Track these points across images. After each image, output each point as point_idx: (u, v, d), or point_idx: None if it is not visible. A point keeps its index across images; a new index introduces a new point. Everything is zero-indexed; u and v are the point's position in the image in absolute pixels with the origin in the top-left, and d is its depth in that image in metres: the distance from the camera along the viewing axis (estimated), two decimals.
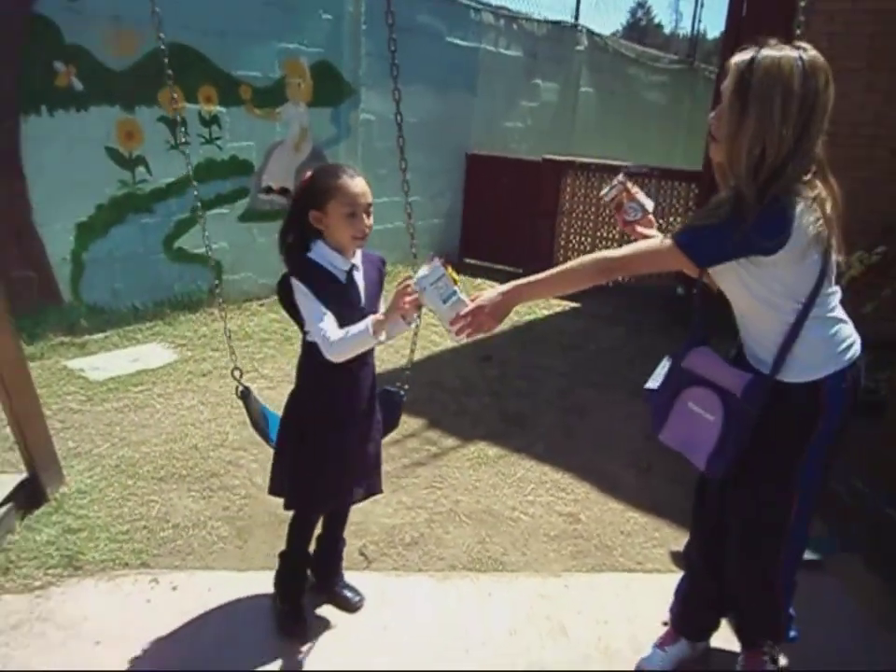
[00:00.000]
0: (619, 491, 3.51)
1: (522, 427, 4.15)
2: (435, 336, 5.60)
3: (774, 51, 1.62)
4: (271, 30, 5.78)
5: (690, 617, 2.36)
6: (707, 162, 6.44)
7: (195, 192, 2.70)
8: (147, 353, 4.93)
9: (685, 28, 16.03)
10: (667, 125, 12.40)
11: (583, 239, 7.47)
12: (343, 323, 2.11)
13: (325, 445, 2.26)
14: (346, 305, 2.16)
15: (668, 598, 2.74)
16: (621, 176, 2.12)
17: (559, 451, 3.87)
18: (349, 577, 2.72)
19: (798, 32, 2.15)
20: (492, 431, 4.04)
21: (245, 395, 2.49)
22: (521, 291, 1.93)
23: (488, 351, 5.34)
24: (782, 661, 2.25)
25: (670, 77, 12.35)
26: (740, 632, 2.32)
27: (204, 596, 2.56)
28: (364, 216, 2.12)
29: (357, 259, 2.24)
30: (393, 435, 3.88)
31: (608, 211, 7.24)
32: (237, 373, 2.53)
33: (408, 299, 2.01)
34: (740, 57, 1.66)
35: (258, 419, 2.51)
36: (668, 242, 1.76)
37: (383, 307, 2.32)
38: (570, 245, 7.55)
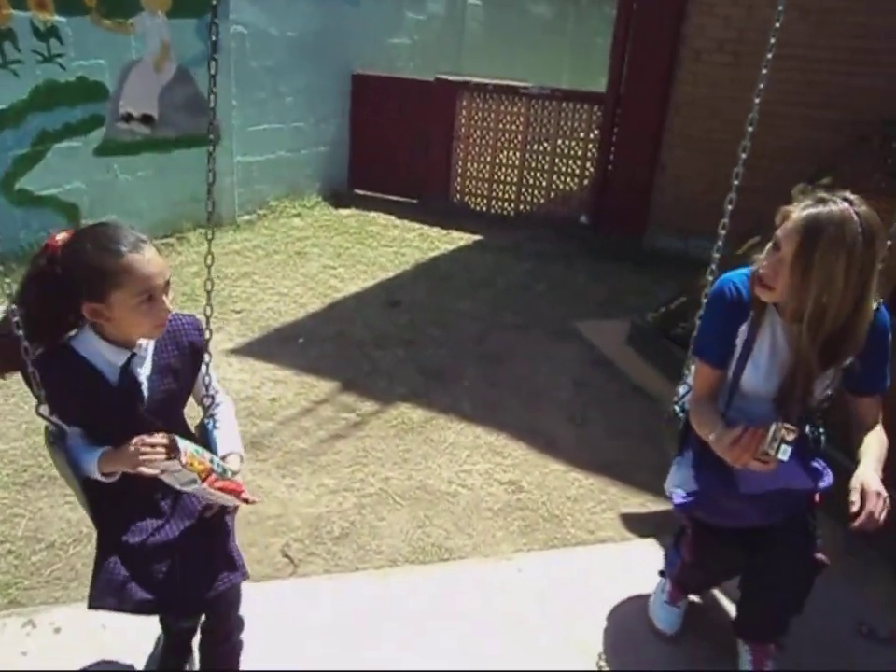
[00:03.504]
0: (557, 450, 3.26)
1: (443, 381, 3.80)
2: (334, 281, 5.10)
3: (836, 217, 1.58)
4: None
5: (699, 583, 2.30)
6: (609, 85, 6.16)
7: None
8: None
9: None
10: (553, 41, 11.98)
11: (482, 167, 7.04)
12: (110, 434, 1.60)
13: (118, 537, 1.69)
14: (114, 413, 1.63)
15: (627, 569, 2.58)
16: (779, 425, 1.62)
17: (487, 408, 3.56)
18: (272, 586, 2.33)
19: None
20: (412, 390, 3.67)
21: (57, 439, 1.65)
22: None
23: (396, 294, 4.92)
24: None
25: None
26: (757, 628, 2.11)
27: (99, 637, 2.09)
28: (164, 297, 1.59)
29: (150, 343, 1.69)
30: (304, 403, 3.48)
31: (507, 136, 6.85)
32: (44, 410, 1.60)
33: (144, 467, 1.53)
34: (802, 217, 1.61)
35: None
36: None
37: (204, 390, 1.80)
38: (468, 174, 7.11)
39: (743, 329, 1.83)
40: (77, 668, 2.00)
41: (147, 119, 5.38)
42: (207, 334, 1.78)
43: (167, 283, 1.61)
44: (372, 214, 6.87)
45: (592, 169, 6.54)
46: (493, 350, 4.22)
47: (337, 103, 7.18)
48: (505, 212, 7.09)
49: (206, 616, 1.88)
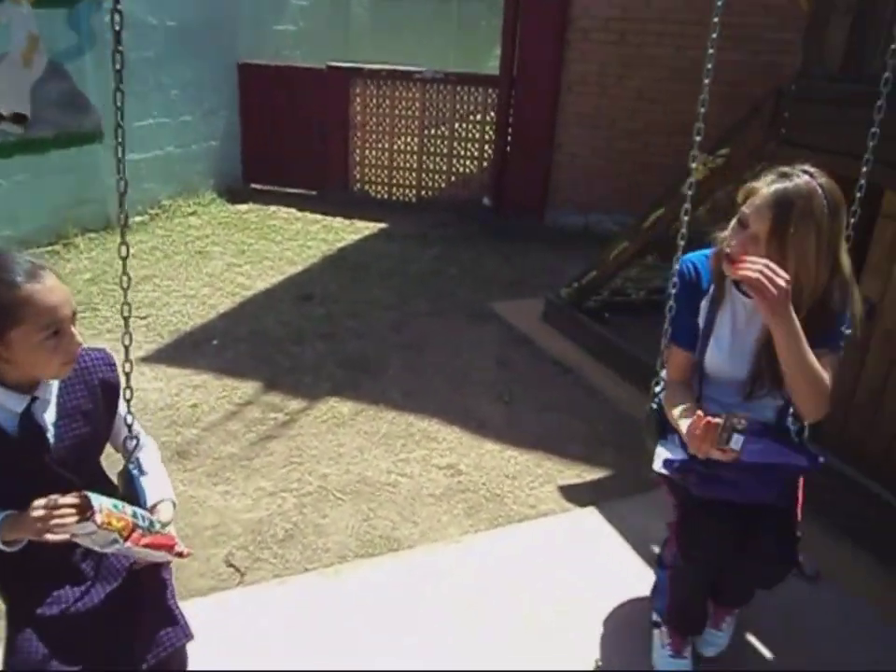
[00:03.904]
0: (489, 430, 3.30)
1: (368, 372, 3.76)
2: (242, 278, 4.94)
3: (804, 190, 1.61)
4: None
5: (695, 616, 2.11)
6: (503, 67, 6.23)
7: None
8: None
9: None
10: (438, 26, 12.01)
11: (380, 154, 6.98)
12: (13, 493, 1.42)
13: (31, 610, 1.52)
14: (16, 468, 1.46)
15: (572, 538, 2.64)
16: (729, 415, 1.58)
17: (416, 395, 3.55)
18: (219, 598, 2.24)
19: None
20: (338, 384, 3.61)
21: None
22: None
23: (307, 288, 4.81)
24: None
25: None
26: (724, 598, 2.13)
27: None
28: (72, 329, 1.43)
29: (50, 382, 1.52)
30: (228, 407, 3.36)
31: (404, 121, 6.81)
32: None
33: (52, 538, 1.36)
34: (771, 192, 1.62)
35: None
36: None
37: (123, 431, 1.64)
38: (367, 162, 7.04)
39: (703, 305, 1.82)
40: None
41: (19, 119, 5.00)
42: (127, 367, 1.61)
43: (74, 313, 1.44)
44: (272, 208, 6.68)
45: (490, 151, 6.61)
46: (414, 337, 4.20)
47: (225, 94, 6.91)
48: (407, 198, 7.06)
49: None
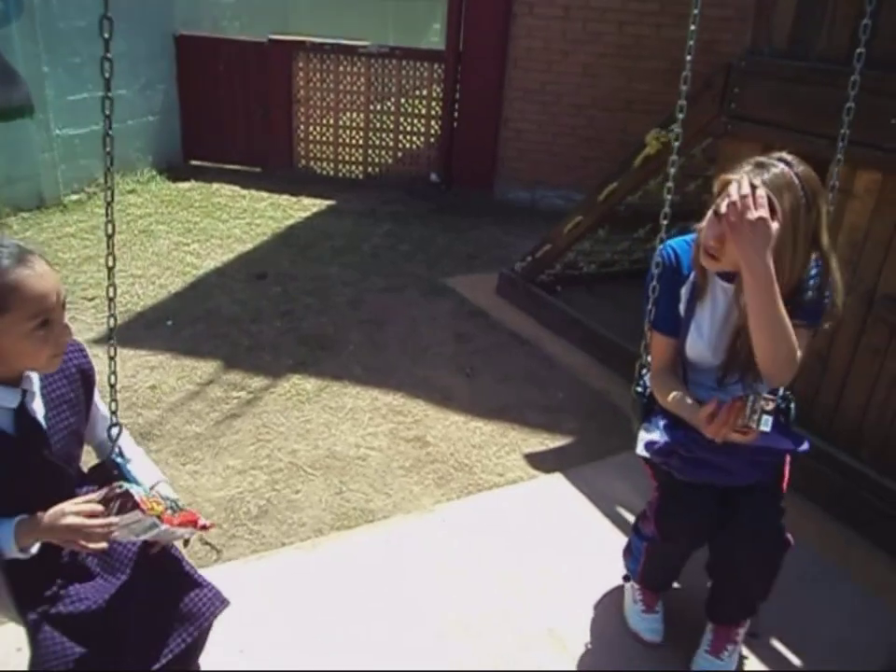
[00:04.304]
0: (454, 402, 3.35)
1: (329, 349, 3.75)
2: (191, 258, 4.83)
3: (781, 182, 1.57)
4: None
5: (669, 576, 2.15)
6: (448, 42, 6.22)
7: None
8: None
9: None
10: (377, 1, 11.82)
11: (325, 131, 6.87)
12: (13, 495, 1.37)
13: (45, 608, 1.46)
14: (19, 468, 1.39)
15: (540, 503, 2.72)
16: (756, 396, 1.59)
17: (378, 370, 3.57)
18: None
19: None
20: (300, 361, 3.60)
21: None
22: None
23: (259, 266, 4.74)
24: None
25: None
26: (723, 607, 2.03)
27: (14, 660, 1.91)
28: (62, 318, 1.38)
29: (31, 373, 1.44)
30: (188, 387, 3.32)
31: (349, 97, 6.73)
32: None
33: (95, 541, 1.32)
34: (749, 184, 1.55)
35: None
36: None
37: (98, 420, 1.62)
38: (311, 138, 6.92)
39: (683, 291, 1.81)
40: None
41: None
42: (112, 351, 1.57)
43: (64, 301, 1.37)
44: (215, 185, 6.51)
45: (437, 127, 6.59)
46: (372, 313, 4.21)
47: (162, 67, 6.67)
48: (353, 175, 7.00)
49: None
